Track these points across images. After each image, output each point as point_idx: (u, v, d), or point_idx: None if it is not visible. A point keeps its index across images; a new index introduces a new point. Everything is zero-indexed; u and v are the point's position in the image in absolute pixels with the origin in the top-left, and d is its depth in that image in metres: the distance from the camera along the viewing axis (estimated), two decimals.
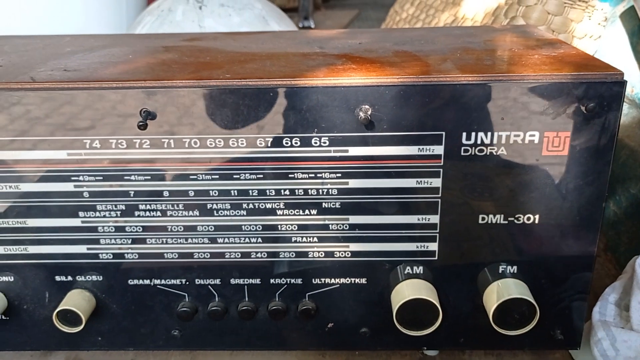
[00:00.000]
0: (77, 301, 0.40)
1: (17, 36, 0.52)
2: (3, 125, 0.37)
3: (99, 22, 0.82)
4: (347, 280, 0.40)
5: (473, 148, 0.36)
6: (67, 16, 0.79)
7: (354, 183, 0.37)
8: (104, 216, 0.39)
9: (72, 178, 0.38)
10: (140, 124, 0.36)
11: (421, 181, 0.37)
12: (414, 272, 0.40)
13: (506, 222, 0.38)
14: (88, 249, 0.40)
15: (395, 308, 0.38)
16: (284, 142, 0.37)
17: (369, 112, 0.35)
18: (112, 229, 0.39)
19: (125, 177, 0.38)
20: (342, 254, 0.39)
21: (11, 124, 0.37)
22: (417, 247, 0.39)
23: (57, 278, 0.41)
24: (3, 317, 0.42)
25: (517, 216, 0.38)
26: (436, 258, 0.39)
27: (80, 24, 0.80)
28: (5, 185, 0.38)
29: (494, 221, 0.38)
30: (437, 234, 0.39)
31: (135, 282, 0.41)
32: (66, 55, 0.44)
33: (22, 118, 0.37)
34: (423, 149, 0.36)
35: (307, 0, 1.74)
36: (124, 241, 0.40)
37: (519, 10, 0.56)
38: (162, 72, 0.38)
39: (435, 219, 0.38)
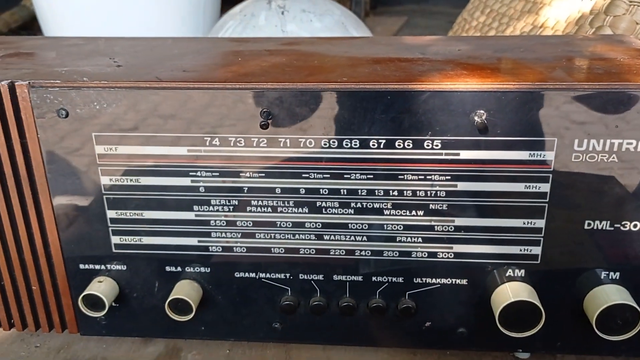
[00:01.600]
0: (188, 291, 0.41)
1: (121, 38, 0.54)
2: (128, 121, 0.39)
3: (179, 26, 0.85)
4: (448, 281, 0.41)
5: (584, 155, 0.37)
6: (148, 19, 0.82)
7: (462, 186, 0.38)
8: (217, 210, 0.41)
9: (190, 173, 0.40)
10: (263, 123, 0.37)
11: (530, 186, 0.38)
12: (516, 274, 0.40)
13: (612, 228, 0.38)
14: (199, 241, 0.42)
15: (498, 309, 0.39)
16: (396, 144, 0.38)
17: (484, 117, 0.36)
18: (223, 222, 0.41)
19: (241, 174, 0.40)
20: (445, 255, 0.40)
21: (136, 120, 0.39)
22: (521, 250, 0.40)
23: (167, 268, 0.43)
24: (114, 304, 0.44)
25: (623, 223, 0.38)
26: (539, 262, 0.40)
27: (161, 26, 0.82)
28: (127, 179, 0.40)
29: (599, 227, 0.38)
30: (542, 238, 0.39)
31: (241, 274, 0.42)
32: (177, 56, 0.46)
33: (146, 115, 0.38)
34: (534, 154, 0.37)
35: (358, 7, 1.75)
36: (233, 235, 0.41)
37: (606, 20, 0.56)
38: (279, 75, 0.39)
39: (540, 223, 0.39)
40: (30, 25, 1.86)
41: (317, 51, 0.47)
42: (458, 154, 0.38)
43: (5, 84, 0.38)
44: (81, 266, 0.43)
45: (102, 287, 0.42)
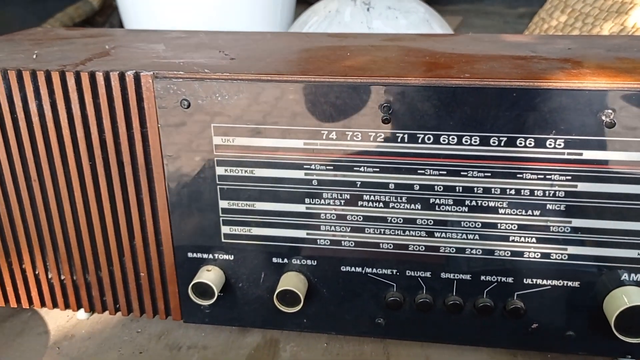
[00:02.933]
0: (296, 283, 0.42)
1: (221, 32, 0.55)
2: (247, 113, 0.39)
3: (257, 20, 0.86)
4: (560, 283, 0.40)
5: None
6: (227, 14, 0.83)
7: (583, 186, 0.38)
8: (328, 204, 0.41)
9: (305, 166, 0.40)
10: (385, 118, 0.37)
11: None
12: (632, 279, 0.39)
13: None
14: (308, 234, 0.42)
15: (614, 314, 0.38)
16: (517, 142, 0.37)
17: (612, 116, 0.35)
18: (334, 216, 0.41)
19: (355, 168, 0.40)
20: (558, 256, 0.40)
21: (255, 112, 0.39)
22: (638, 254, 0.39)
23: (274, 260, 0.43)
24: (219, 294, 0.44)
25: None
26: None
27: (238, 21, 0.83)
28: (241, 170, 0.41)
29: None
30: None
31: (348, 268, 0.43)
32: (285, 50, 0.46)
33: (265, 107, 0.39)
34: None
35: None
36: (343, 229, 0.41)
37: None
38: (397, 70, 0.39)
39: None
40: (92, 20, 1.91)
41: (423, 47, 0.47)
42: (581, 154, 0.37)
43: (130, 73, 0.39)
44: (189, 255, 0.44)
45: (211, 276, 0.43)
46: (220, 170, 0.41)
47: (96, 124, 0.41)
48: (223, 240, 0.43)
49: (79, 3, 1.92)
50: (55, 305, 0.47)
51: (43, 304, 0.48)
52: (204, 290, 0.42)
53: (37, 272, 0.46)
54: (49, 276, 0.46)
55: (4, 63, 0.42)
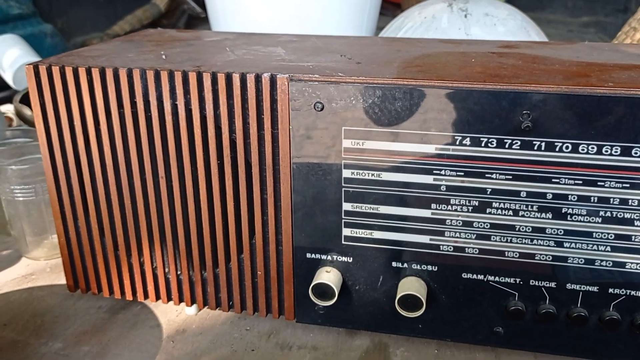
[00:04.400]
0: (418, 288, 0.42)
1: (330, 36, 0.55)
2: (379, 117, 0.39)
3: (343, 26, 0.86)
4: None
5: None
6: (315, 17, 0.84)
7: None
8: (455, 210, 0.41)
9: (434, 171, 0.40)
10: (526, 126, 0.37)
11: None
12: None
13: None
14: (431, 239, 0.42)
15: None
16: None
17: None
18: (459, 223, 0.41)
19: (487, 175, 0.39)
20: None
21: (386, 117, 0.39)
22: None
23: (393, 264, 0.43)
24: None
25: None
26: None
27: (326, 25, 0.84)
28: (368, 173, 0.41)
29: None
30: None
31: (469, 276, 0.42)
32: (405, 55, 0.46)
33: (397, 111, 0.39)
34: None
35: None
36: (468, 236, 0.41)
37: None
38: (534, 77, 0.39)
39: None
40: (159, 22, 1.96)
41: (546, 55, 0.46)
42: None
43: (266, 76, 0.40)
44: (308, 255, 0.44)
45: (332, 277, 0.43)
46: (346, 173, 0.41)
47: (228, 124, 0.41)
48: (343, 242, 0.43)
49: (147, 6, 1.97)
50: (169, 299, 0.48)
51: (158, 298, 0.49)
52: (323, 291, 0.43)
53: (154, 266, 0.48)
54: (166, 271, 0.47)
55: (138, 63, 0.43)
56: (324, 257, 0.44)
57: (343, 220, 0.43)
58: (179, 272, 0.47)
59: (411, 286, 0.42)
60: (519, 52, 0.47)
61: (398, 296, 0.42)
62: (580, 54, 0.47)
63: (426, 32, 0.71)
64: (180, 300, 0.48)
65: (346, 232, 0.43)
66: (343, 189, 0.42)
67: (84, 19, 1.78)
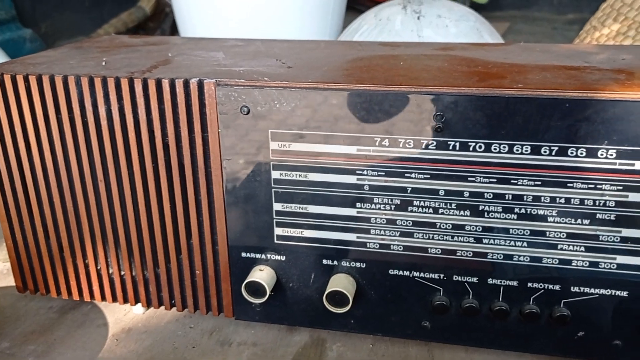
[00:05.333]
0: (345, 284, 0.43)
1: (276, 40, 0.57)
2: (304, 120, 0.41)
3: (308, 27, 0.88)
4: (608, 292, 0.41)
5: None
6: (279, 21, 0.86)
7: (634, 197, 0.38)
8: (379, 208, 0.42)
9: (357, 172, 0.41)
10: (437, 127, 0.38)
11: None
12: None
13: None
14: (358, 237, 0.43)
15: None
16: (569, 151, 0.38)
17: None
18: (384, 221, 0.42)
19: (406, 174, 0.41)
20: (607, 266, 0.40)
21: (311, 119, 0.41)
22: None
23: (324, 261, 0.45)
24: (270, 293, 0.46)
25: None
26: None
27: (291, 28, 0.86)
28: (296, 174, 0.42)
29: None
30: None
31: (396, 272, 0.44)
32: (340, 59, 0.48)
33: (320, 115, 0.40)
34: None
35: None
36: (392, 233, 0.43)
37: None
38: (450, 79, 0.40)
39: None
40: (145, 25, 1.97)
41: (475, 57, 0.48)
42: (633, 165, 0.37)
43: (194, 81, 0.41)
44: (243, 254, 0.46)
45: (264, 275, 0.44)
46: (275, 174, 0.43)
47: (160, 128, 0.43)
48: (276, 241, 0.45)
49: (132, 9, 1.98)
50: (114, 299, 0.50)
51: (103, 298, 0.50)
52: (256, 289, 0.44)
53: (99, 267, 0.49)
54: (110, 271, 0.49)
55: (76, 70, 0.45)
56: (258, 255, 0.46)
57: (274, 220, 0.44)
58: (122, 273, 0.49)
59: (339, 283, 0.43)
60: (450, 55, 0.49)
61: (325, 293, 0.43)
62: (509, 55, 0.48)
63: (380, 35, 0.72)
64: (125, 299, 0.50)
65: (278, 231, 0.44)
66: (273, 189, 0.43)
67: (69, 22, 1.79)
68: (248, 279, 0.44)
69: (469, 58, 0.47)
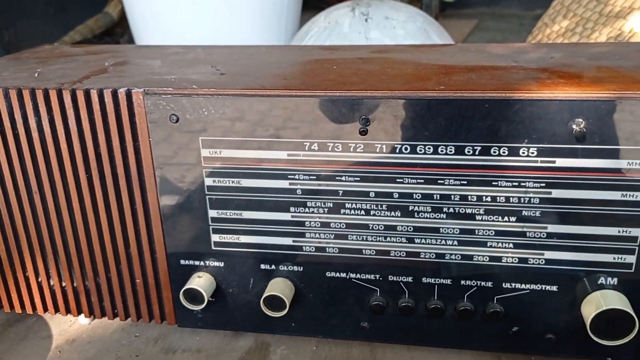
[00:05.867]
0: (282, 288, 0.43)
1: (217, 46, 0.57)
2: (233, 127, 0.41)
3: (261, 33, 0.88)
4: (538, 287, 0.42)
5: None
6: (232, 26, 0.86)
7: (557, 193, 0.39)
8: (313, 212, 0.43)
9: (289, 176, 0.42)
10: (362, 130, 0.39)
11: (627, 194, 0.38)
12: (608, 282, 0.40)
13: None
14: (294, 241, 0.44)
15: (590, 317, 0.39)
16: (491, 150, 0.38)
17: (583, 125, 0.36)
18: (318, 224, 0.43)
19: (337, 178, 0.41)
20: (536, 261, 0.41)
21: (241, 126, 0.41)
22: (614, 258, 0.40)
23: (262, 266, 0.45)
24: (210, 299, 0.46)
25: None
26: (632, 270, 0.40)
27: (245, 32, 0.86)
28: (229, 180, 0.43)
29: None
30: (637, 247, 0.39)
31: (333, 274, 0.44)
32: (275, 64, 0.48)
33: (249, 121, 0.41)
34: (632, 162, 0.37)
35: (428, 10, 1.75)
36: (327, 236, 0.43)
37: None
38: (377, 83, 0.41)
39: (636, 232, 0.39)
40: (112, 31, 1.95)
41: (409, 59, 0.48)
42: (554, 162, 0.38)
43: (122, 91, 0.41)
44: (182, 262, 0.46)
45: (202, 282, 0.44)
46: (208, 181, 0.43)
47: (91, 139, 0.43)
48: (213, 247, 0.45)
49: (99, 15, 1.96)
50: (57, 310, 0.50)
51: (45, 310, 0.50)
52: (194, 295, 0.44)
53: (39, 280, 0.49)
54: (51, 283, 0.49)
55: (6, 82, 0.44)
56: (197, 262, 0.46)
57: (210, 227, 0.44)
58: (63, 284, 0.48)
59: (276, 287, 0.43)
60: (385, 57, 0.49)
61: (263, 297, 0.43)
62: (443, 56, 0.49)
63: (329, 38, 0.73)
64: (67, 310, 0.50)
65: (215, 238, 0.45)
66: (207, 196, 0.43)
67: (34, 30, 1.77)
68: (185, 287, 0.44)
69: (401, 60, 0.48)
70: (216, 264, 0.45)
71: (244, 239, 0.44)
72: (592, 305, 0.39)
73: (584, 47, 0.51)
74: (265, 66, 0.48)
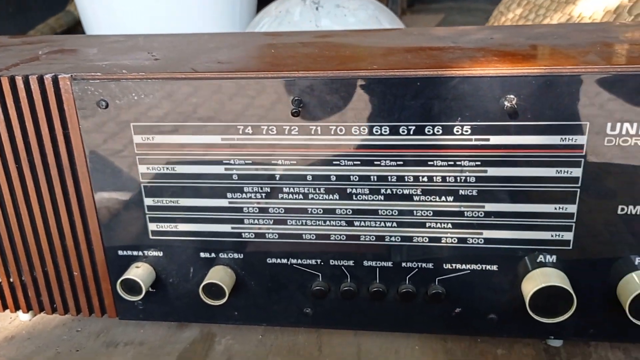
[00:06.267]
0: (222, 276, 0.43)
1: (160, 35, 0.56)
2: (164, 111, 0.40)
3: (216, 23, 0.87)
4: (478, 267, 0.41)
5: (617, 139, 0.36)
6: (186, 17, 0.84)
7: (492, 171, 0.39)
8: (250, 197, 0.42)
9: (224, 161, 0.41)
10: (294, 111, 0.38)
11: (561, 170, 0.38)
12: (547, 260, 0.40)
13: None
14: (232, 228, 0.43)
15: (528, 295, 0.39)
16: (426, 130, 0.38)
17: (515, 102, 0.36)
18: (256, 209, 0.42)
19: (273, 162, 0.40)
20: (475, 241, 0.41)
21: (173, 111, 0.40)
22: (552, 235, 0.40)
23: (202, 254, 0.44)
24: (151, 290, 0.45)
25: None
26: (570, 247, 0.40)
27: (199, 24, 0.84)
28: (163, 167, 0.42)
29: (633, 212, 0.38)
30: (574, 224, 0.39)
31: (274, 260, 0.43)
32: (213, 50, 0.47)
33: (181, 105, 0.40)
34: (565, 138, 0.37)
35: (395, 5, 1.75)
36: (266, 221, 0.42)
37: None
38: (310, 64, 0.40)
39: (572, 208, 0.39)
40: (74, 30, 1.92)
41: (350, 42, 0.48)
42: (488, 140, 0.38)
43: (49, 77, 0.40)
44: (120, 252, 0.44)
45: (139, 272, 0.43)
46: (142, 169, 0.42)
47: (19, 128, 0.41)
48: (151, 237, 0.44)
49: (60, 14, 1.93)
50: None
51: None
52: (131, 286, 0.43)
53: None
54: None
55: None
56: (135, 253, 0.44)
57: (147, 216, 0.43)
58: None
59: (215, 275, 0.43)
60: (326, 41, 0.49)
61: (201, 285, 0.42)
62: (385, 39, 0.48)
63: (280, 26, 0.72)
64: (5, 306, 0.48)
65: (152, 226, 0.44)
66: (142, 184, 0.42)
67: None
68: (122, 277, 0.43)
69: (342, 44, 0.47)
70: (155, 253, 0.44)
71: (182, 227, 0.43)
72: (531, 283, 0.39)
73: (525, 28, 0.51)
74: (203, 52, 0.47)
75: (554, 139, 0.37)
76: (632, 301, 0.38)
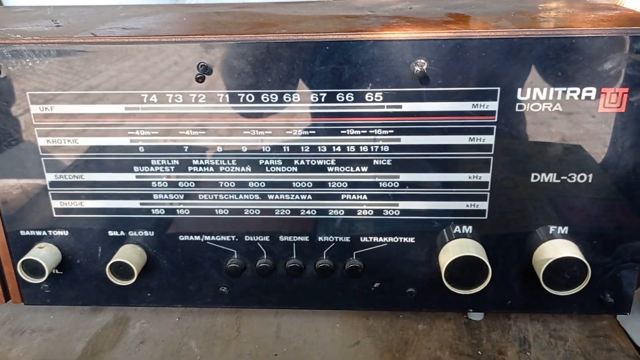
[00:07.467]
0: (130, 255, 0.40)
1: (72, 5, 0.53)
2: (62, 79, 0.37)
3: None
4: (395, 239, 0.40)
5: (528, 104, 0.36)
6: None
7: (405, 140, 0.38)
8: (158, 171, 0.40)
9: (129, 132, 0.39)
10: (198, 76, 0.36)
11: (474, 138, 0.37)
12: (463, 231, 0.40)
13: (559, 180, 0.38)
14: (141, 204, 0.41)
15: (444, 266, 0.38)
16: (337, 97, 0.37)
17: (425, 66, 0.35)
18: (165, 184, 0.40)
19: (180, 132, 0.39)
20: (391, 212, 0.40)
21: (70, 78, 0.38)
22: (467, 205, 0.39)
23: (110, 233, 0.42)
24: (57, 272, 0.42)
25: (570, 175, 0.37)
26: (486, 217, 0.39)
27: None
28: (64, 139, 0.39)
29: (546, 180, 0.38)
30: (488, 193, 0.38)
31: (186, 238, 0.41)
32: (122, 18, 0.45)
33: (80, 72, 0.37)
34: (477, 104, 0.36)
35: None
36: (176, 196, 0.40)
37: None
38: (218, 29, 0.38)
39: (486, 177, 0.38)
40: None
41: (266, 12, 0.46)
42: (400, 107, 0.37)
43: None
44: (22, 232, 0.42)
45: (42, 253, 0.41)
46: (42, 141, 0.39)
47: None
48: (55, 215, 0.41)
49: None
50: None
51: None
52: (34, 267, 0.40)
53: None
54: None
55: None
56: (39, 233, 0.42)
57: (50, 192, 0.41)
58: None
59: (122, 254, 0.40)
60: (243, 11, 0.47)
61: (107, 265, 0.40)
62: (304, 10, 0.47)
63: None
64: None
65: (55, 204, 0.41)
66: (42, 158, 0.40)
67: None
68: (23, 258, 0.40)
69: (258, 13, 0.45)
70: (60, 233, 0.42)
71: (88, 204, 0.41)
72: (447, 255, 0.38)
73: (447, 0, 0.50)
74: (112, 20, 0.44)
75: (466, 105, 0.36)
76: (545, 270, 0.37)
